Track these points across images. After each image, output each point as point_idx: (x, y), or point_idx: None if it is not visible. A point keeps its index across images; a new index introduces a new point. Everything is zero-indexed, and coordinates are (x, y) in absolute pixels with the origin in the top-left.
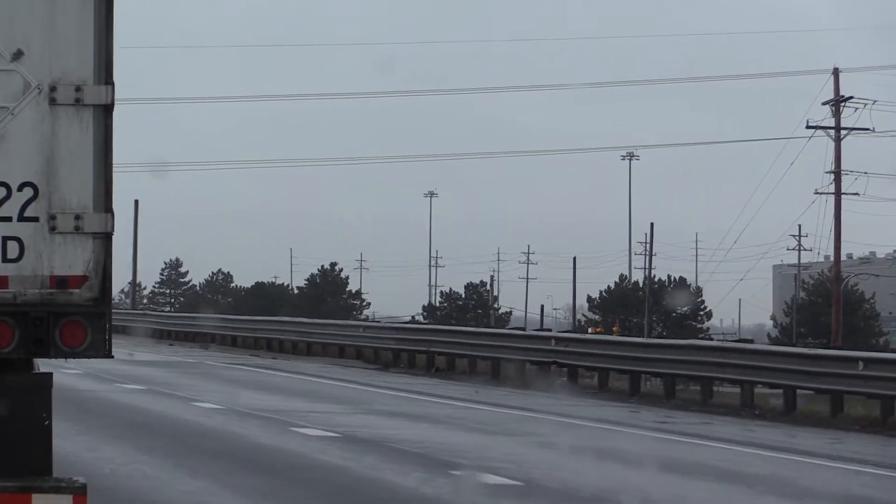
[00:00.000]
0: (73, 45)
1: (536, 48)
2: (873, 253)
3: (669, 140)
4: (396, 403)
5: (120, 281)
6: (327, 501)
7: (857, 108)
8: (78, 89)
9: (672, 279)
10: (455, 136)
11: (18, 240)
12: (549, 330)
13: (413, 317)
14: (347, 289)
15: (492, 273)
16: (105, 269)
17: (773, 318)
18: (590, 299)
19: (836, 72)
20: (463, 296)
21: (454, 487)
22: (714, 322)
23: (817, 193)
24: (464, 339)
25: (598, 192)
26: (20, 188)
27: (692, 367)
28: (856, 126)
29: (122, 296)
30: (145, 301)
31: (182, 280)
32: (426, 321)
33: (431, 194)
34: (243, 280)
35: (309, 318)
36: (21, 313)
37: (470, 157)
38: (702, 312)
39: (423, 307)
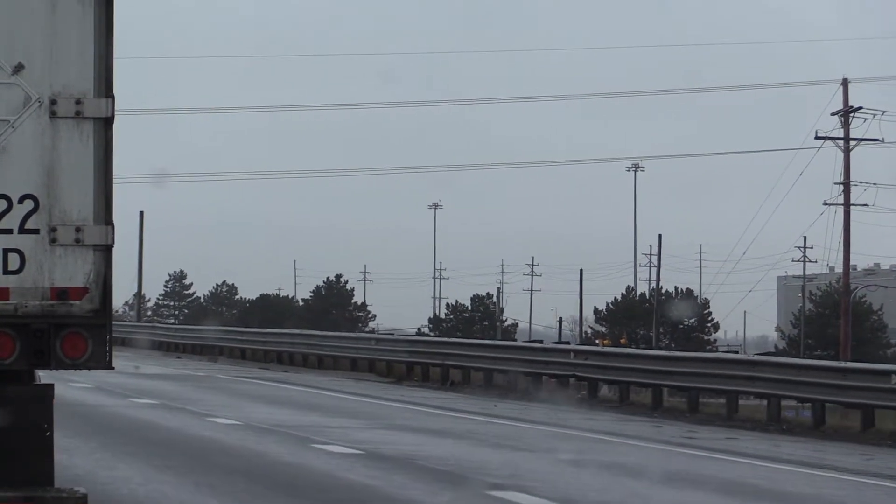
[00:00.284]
0: (73, 58)
1: (542, 59)
2: (877, 264)
3: (675, 151)
4: (415, 418)
5: (124, 293)
6: None
7: (866, 119)
8: (78, 102)
9: (679, 291)
10: (459, 148)
11: (19, 252)
12: (568, 343)
13: (419, 328)
14: (353, 301)
15: (498, 285)
16: (105, 281)
17: (778, 329)
18: (596, 311)
19: (845, 82)
20: (469, 308)
21: None
22: (718, 334)
23: (826, 204)
24: (480, 352)
25: (602, 204)
26: (21, 200)
27: (717, 381)
28: (865, 137)
29: (126, 308)
30: (149, 313)
31: (186, 292)
32: (433, 333)
33: (436, 206)
34: (247, 292)
35: (320, 331)
36: (22, 325)
37: (474, 169)
38: (709, 324)
39: (429, 319)
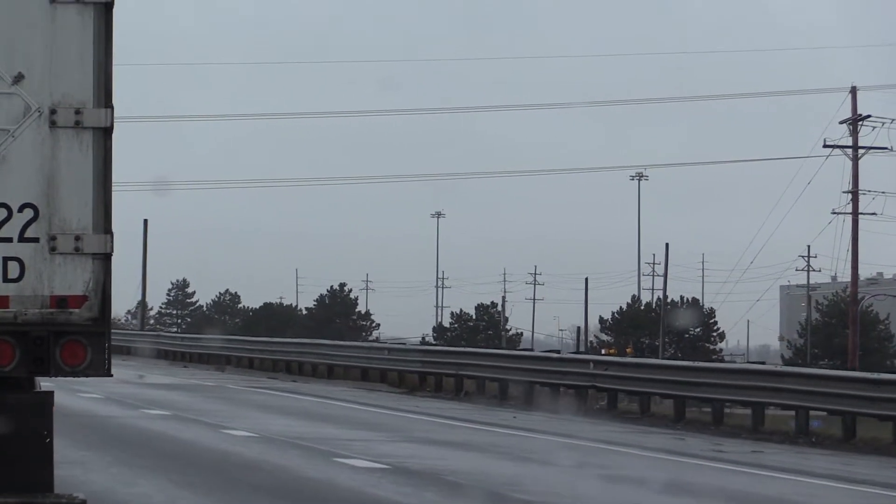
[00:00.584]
0: (73, 68)
1: (545, 66)
2: (881, 273)
3: (680, 160)
4: (435, 430)
5: (127, 302)
6: None
7: (874, 128)
8: (78, 112)
9: (684, 300)
10: (462, 156)
11: (19, 260)
12: (586, 353)
13: (423, 337)
14: (357, 310)
15: (503, 294)
16: (104, 290)
17: (781, 338)
18: (602, 320)
19: (853, 90)
20: (474, 317)
21: None
22: (721, 344)
23: (835, 213)
24: (495, 361)
25: (605, 213)
26: (21, 209)
27: (743, 392)
28: (873, 145)
29: (129, 317)
30: (151, 322)
31: (189, 300)
32: (437, 342)
33: (438, 215)
34: (250, 300)
35: (331, 341)
36: (22, 332)
37: (476, 177)
38: (714, 334)
39: (434, 328)
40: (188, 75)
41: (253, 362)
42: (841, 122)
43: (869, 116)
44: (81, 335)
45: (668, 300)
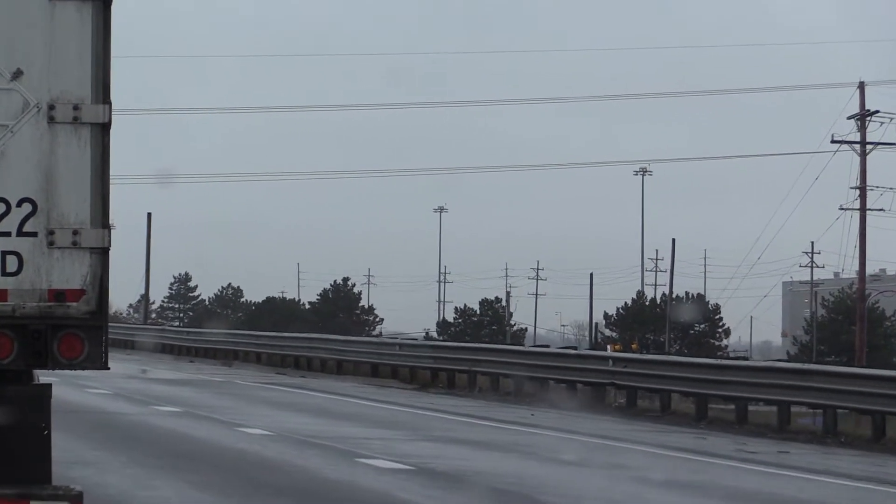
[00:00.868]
0: (71, 64)
1: (548, 62)
2: (884, 270)
3: (685, 154)
4: (454, 428)
5: (129, 296)
6: None
7: (882, 123)
8: (76, 108)
9: (690, 295)
10: (465, 151)
11: (17, 254)
12: (594, 348)
13: (427, 332)
14: (360, 304)
15: (508, 289)
16: (102, 283)
17: (784, 334)
18: (607, 316)
19: (861, 85)
20: (478, 312)
21: None
22: (725, 340)
23: (842, 209)
24: (510, 358)
25: (607, 208)
26: (19, 204)
27: (768, 391)
28: (882, 140)
29: (131, 311)
30: (153, 315)
31: (191, 294)
32: (441, 337)
33: (441, 209)
34: (252, 294)
35: (341, 336)
36: (20, 326)
37: (479, 171)
38: (720, 330)
39: (437, 324)
40: (189, 69)
41: (260, 357)
42: (849, 118)
43: (877, 112)
44: (79, 328)
45: (676, 296)
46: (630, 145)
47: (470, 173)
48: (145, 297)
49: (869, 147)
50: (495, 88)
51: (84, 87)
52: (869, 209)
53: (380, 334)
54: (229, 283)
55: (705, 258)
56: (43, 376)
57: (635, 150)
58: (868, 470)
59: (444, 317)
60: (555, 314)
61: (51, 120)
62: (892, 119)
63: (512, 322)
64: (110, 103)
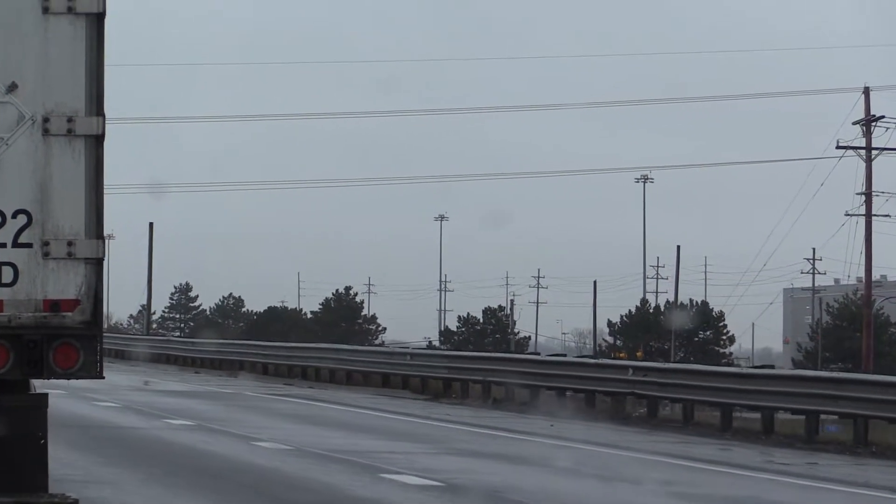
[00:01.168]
0: (65, 77)
1: (550, 67)
2: (884, 276)
3: (687, 161)
4: (475, 440)
5: (130, 306)
6: None
7: (888, 128)
8: (70, 120)
9: (694, 303)
10: (464, 158)
11: (13, 265)
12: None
13: (430, 342)
14: (363, 313)
15: (511, 297)
16: (96, 294)
17: (786, 341)
18: (610, 324)
19: (866, 91)
20: (481, 320)
21: None
22: (730, 347)
23: (848, 215)
24: (525, 367)
25: (607, 216)
26: (14, 215)
27: (796, 400)
28: (887, 146)
29: (132, 321)
30: (154, 326)
31: (192, 304)
32: (444, 346)
33: (442, 217)
34: (253, 304)
35: (350, 346)
36: (16, 336)
37: (479, 179)
38: (724, 337)
39: (440, 332)
40: (188, 77)
41: (267, 368)
42: (854, 123)
43: (883, 117)
44: (74, 338)
45: (680, 303)
46: (632, 152)
47: (470, 181)
48: (147, 308)
49: (874, 152)
50: (496, 95)
51: (78, 100)
52: (875, 215)
53: (382, 343)
54: (230, 293)
55: (705, 265)
56: (51, 389)
57: (637, 157)
58: None
59: (445, 325)
60: (555, 322)
61: (45, 132)
62: None
63: (516, 330)
64: (104, 115)
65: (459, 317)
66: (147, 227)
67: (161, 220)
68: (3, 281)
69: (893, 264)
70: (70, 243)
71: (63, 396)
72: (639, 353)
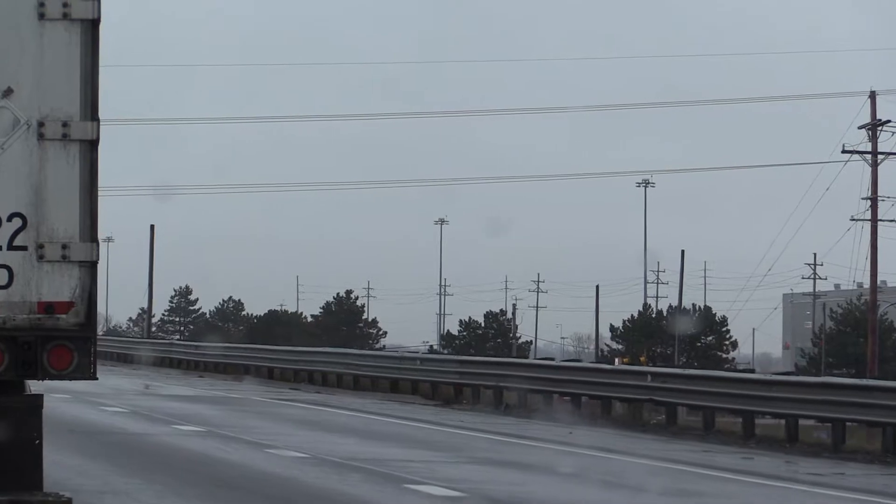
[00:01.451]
0: (60, 82)
1: (551, 71)
2: (884, 282)
3: (691, 165)
4: (494, 448)
5: (130, 309)
6: None
7: (894, 133)
8: (65, 125)
9: (696, 308)
10: (465, 161)
11: (8, 268)
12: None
13: (431, 346)
14: (364, 317)
15: (514, 302)
16: (90, 296)
17: (787, 346)
18: (613, 328)
19: (872, 95)
20: (483, 324)
21: None
22: (733, 352)
23: (854, 220)
24: (539, 373)
25: (607, 220)
26: (9, 219)
27: (823, 408)
28: (893, 150)
29: (131, 324)
30: (154, 329)
31: (192, 308)
32: (446, 350)
33: (442, 221)
34: (253, 307)
35: (358, 350)
36: (10, 337)
37: (479, 182)
38: (727, 342)
39: (442, 336)
40: (188, 79)
41: (272, 372)
42: (860, 128)
43: (889, 121)
44: (68, 340)
45: (683, 308)
46: (633, 156)
47: (470, 184)
48: (148, 311)
49: (880, 157)
50: (496, 99)
51: (73, 105)
52: (881, 220)
53: (383, 347)
54: (230, 296)
55: (705, 270)
56: (57, 393)
57: (638, 161)
58: None
59: (446, 329)
60: (555, 326)
61: (40, 137)
62: None
63: (518, 335)
64: (98, 120)
65: (461, 321)
66: (147, 230)
67: (161, 223)
68: None
69: (894, 270)
70: (64, 246)
71: (69, 401)
72: (642, 358)
